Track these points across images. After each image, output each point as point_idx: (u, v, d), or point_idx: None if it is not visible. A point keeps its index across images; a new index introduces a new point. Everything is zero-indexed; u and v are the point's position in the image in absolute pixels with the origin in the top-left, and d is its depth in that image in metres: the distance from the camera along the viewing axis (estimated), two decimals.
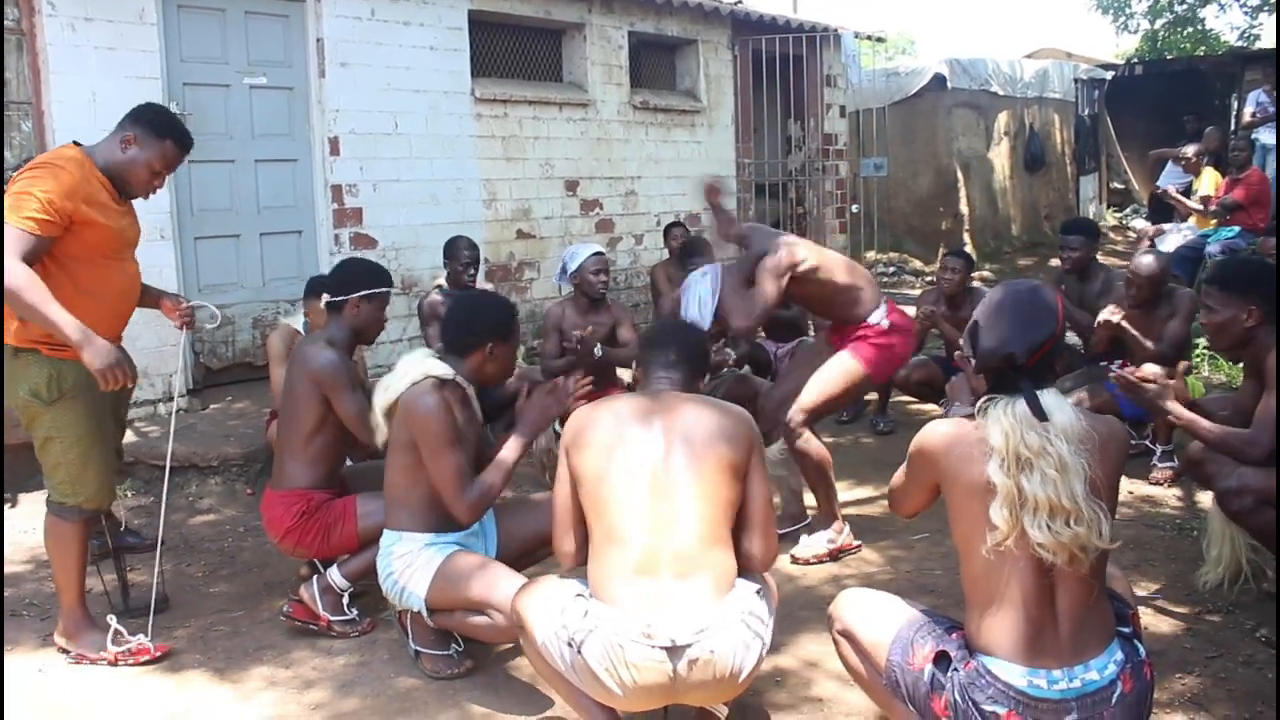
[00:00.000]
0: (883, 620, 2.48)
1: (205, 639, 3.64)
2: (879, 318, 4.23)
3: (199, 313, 3.95)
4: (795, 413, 4.17)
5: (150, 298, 3.78)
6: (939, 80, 12.45)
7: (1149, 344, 5.03)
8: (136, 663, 3.42)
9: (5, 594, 3.96)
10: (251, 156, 6.49)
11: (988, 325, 2.35)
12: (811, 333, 6.50)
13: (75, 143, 3.45)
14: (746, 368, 6.35)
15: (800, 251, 4.16)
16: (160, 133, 3.45)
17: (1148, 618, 3.49)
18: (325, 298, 3.82)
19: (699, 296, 4.15)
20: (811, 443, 4.21)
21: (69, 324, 3.12)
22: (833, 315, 4.39)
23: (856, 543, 4.33)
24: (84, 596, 3.51)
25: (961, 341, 2.45)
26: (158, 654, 3.46)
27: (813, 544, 4.23)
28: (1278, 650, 3.27)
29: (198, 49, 6.21)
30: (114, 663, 3.41)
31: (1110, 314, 5.02)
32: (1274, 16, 19.82)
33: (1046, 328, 2.33)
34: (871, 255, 11.89)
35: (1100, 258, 6.03)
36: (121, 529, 3.96)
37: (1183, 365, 4.95)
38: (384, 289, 3.82)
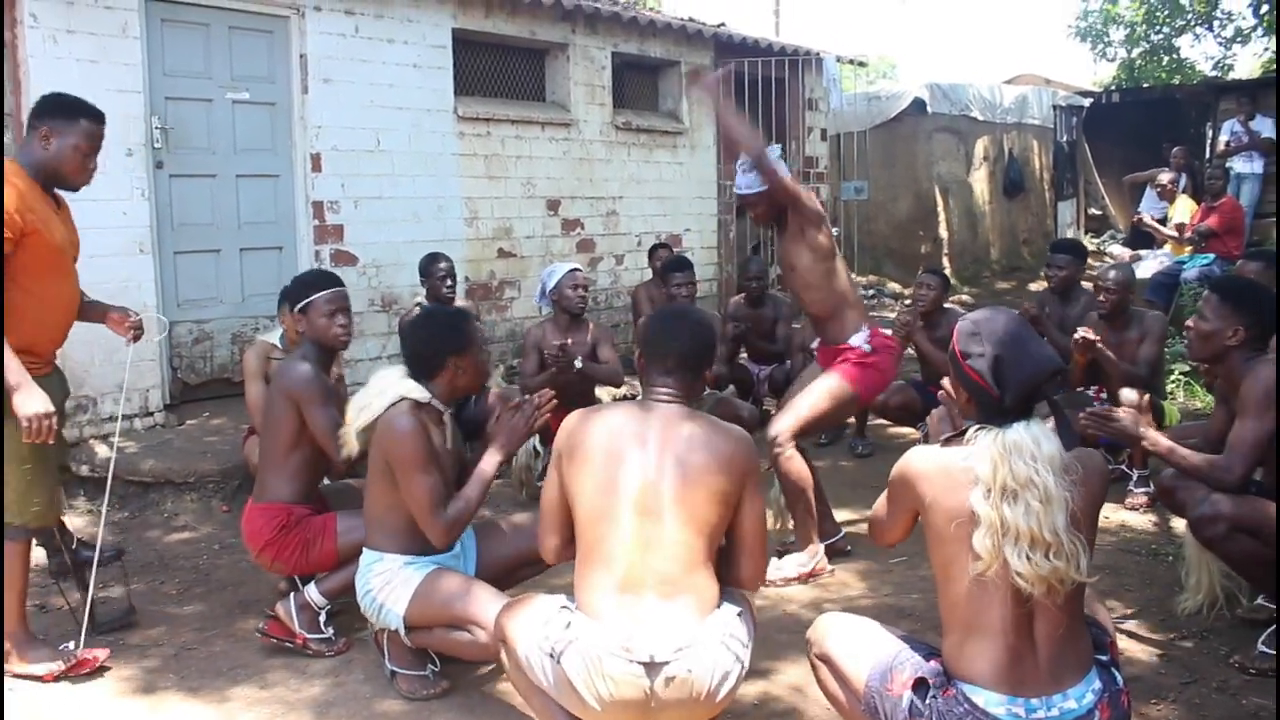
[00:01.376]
0: (861, 646, 2.48)
1: (179, 658, 3.61)
2: (860, 340, 4.24)
3: (148, 323, 3.92)
4: (781, 431, 4.17)
5: (96, 312, 3.75)
6: (919, 105, 12.55)
7: (1123, 366, 5.07)
8: (80, 671, 3.39)
9: None
10: (233, 171, 6.47)
11: (1013, 354, 2.30)
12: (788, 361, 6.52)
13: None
14: (730, 388, 6.37)
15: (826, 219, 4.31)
16: (70, 114, 3.43)
17: (1123, 643, 3.51)
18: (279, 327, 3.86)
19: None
20: (795, 461, 4.20)
21: (13, 367, 3.15)
22: (815, 314, 4.40)
23: (830, 567, 4.33)
24: (26, 616, 3.48)
25: (970, 379, 2.37)
26: (97, 663, 3.44)
27: (784, 566, 4.23)
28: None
29: (180, 63, 6.19)
30: (52, 679, 3.37)
31: (1086, 333, 5.04)
32: (1250, 45, 20.11)
33: (1052, 354, 2.36)
34: (853, 286, 11.92)
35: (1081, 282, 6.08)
36: (74, 545, 3.90)
37: (1146, 399, 4.99)
38: (313, 295, 3.75)
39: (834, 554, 4.43)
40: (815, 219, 4.26)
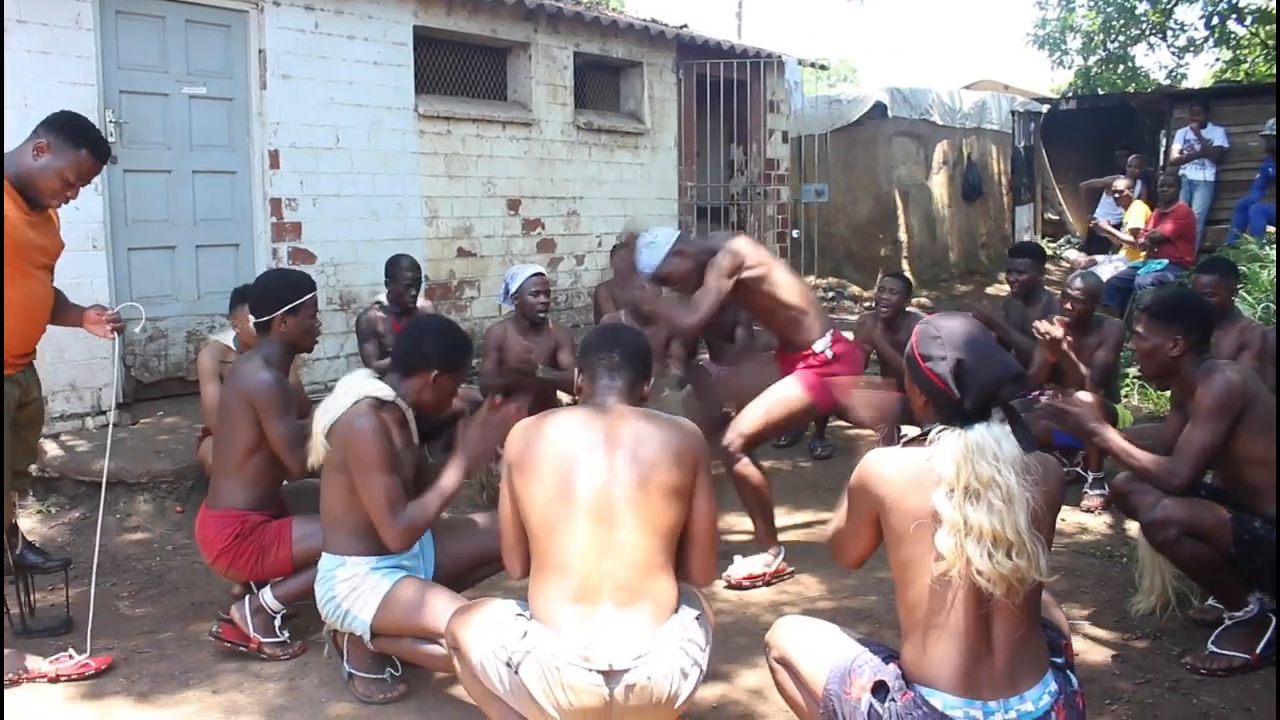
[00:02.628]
0: (820, 649, 2.48)
1: (130, 662, 3.55)
2: (823, 346, 4.23)
3: (125, 312, 3.83)
4: (734, 437, 4.16)
5: (72, 316, 3.68)
6: (880, 109, 12.63)
7: (1084, 369, 5.12)
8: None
9: None
10: (189, 167, 6.38)
11: (975, 358, 2.31)
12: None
13: None
14: (688, 389, 6.34)
15: (749, 256, 4.17)
16: (75, 141, 3.35)
17: (1078, 644, 3.54)
18: (251, 319, 3.75)
19: (653, 241, 4.19)
20: (749, 468, 4.20)
21: None
22: (775, 331, 4.40)
23: (790, 569, 4.34)
24: None
25: (930, 383, 2.37)
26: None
27: (748, 564, 4.24)
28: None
29: (136, 56, 6.09)
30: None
31: (1052, 328, 5.06)
32: (1202, 55, 20.43)
33: (1012, 360, 2.38)
34: (811, 280, 11.99)
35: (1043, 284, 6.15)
36: (19, 549, 3.83)
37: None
38: (305, 298, 3.73)
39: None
40: (734, 280, 4.16)
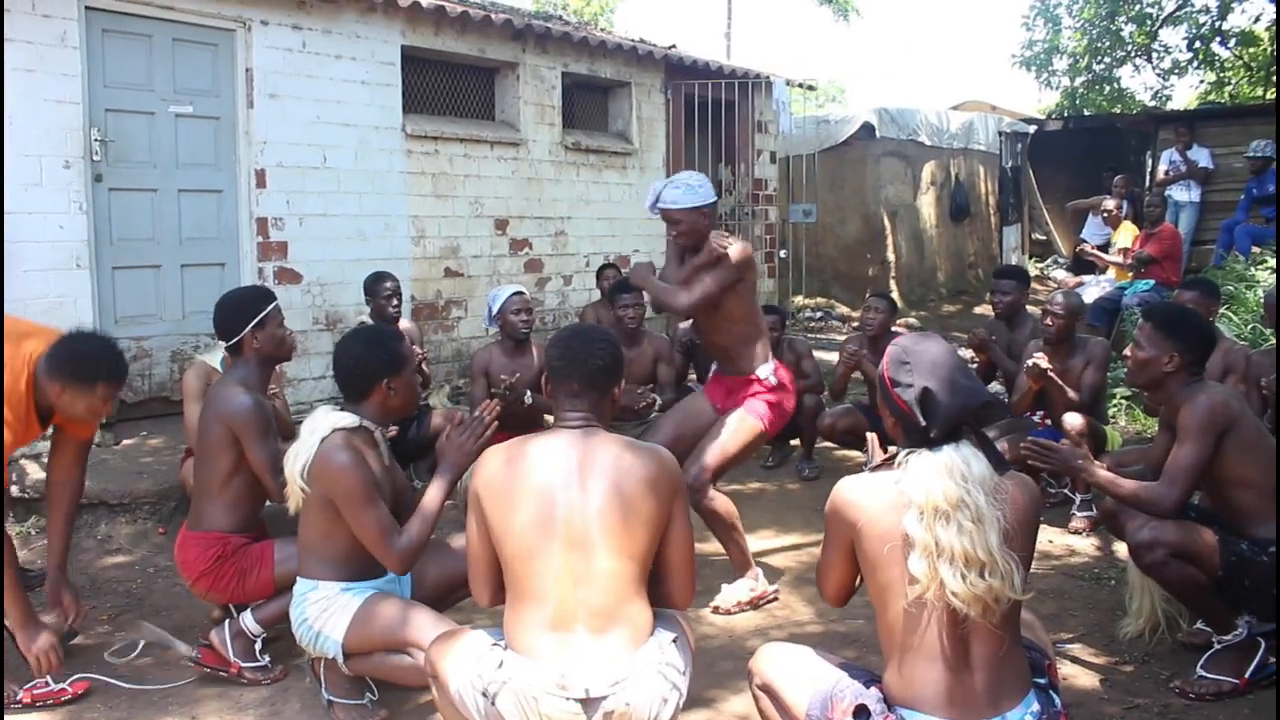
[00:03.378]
0: (802, 675, 2.46)
1: (108, 688, 3.49)
2: (767, 373, 4.23)
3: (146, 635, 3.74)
4: (699, 473, 4.10)
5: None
6: (868, 129, 12.67)
7: (1071, 393, 5.12)
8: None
9: None
10: (175, 186, 6.36)
11: (942, 386, 2.31)
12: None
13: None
14: None
15: (754, 263, 4.24)
16: (89, 379, 3.30)
17: (1065, 668, 3.52)
18: (223, 345, 3.72)
19: (691, 185, 4.16)
20: (718, 500, 4.17)
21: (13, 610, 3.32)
22: (725, 346, 4.32)
23: (774, 588, 4.32)
24: None
25: (898, 408, 2.38)
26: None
27: (735, 592, 4.21)
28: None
29: (122, 75, 6.08)
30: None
31: (1040, 359, 5.09)
32: (1186, 77, 20.58)
33: (983, 384, 2.36)
34: (799, 300, 12.01)
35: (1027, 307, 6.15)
36: None
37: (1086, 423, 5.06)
38: (269, 308, 3.70)
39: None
40: (744, 273, 4.20)
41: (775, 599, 4.30)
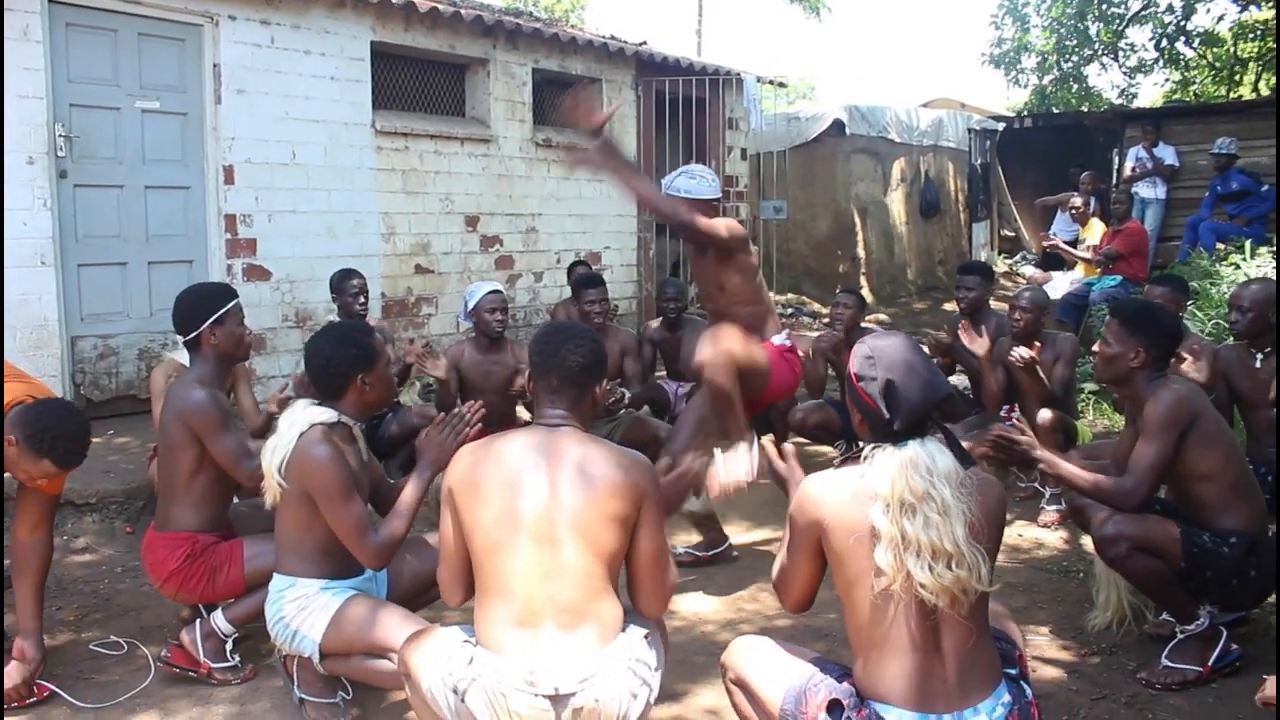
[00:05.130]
0: (776, 669, 2.47)
1: (75, 689, 3.45)
2: (780, 340, 4.43)
3: None
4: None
5: None
6: (838, 126, 12.71)
7: (1049, 384, 5.16)
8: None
9: None
10: (141, 182, 6.30)
11: (905, 379, 2.34)
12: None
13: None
14: (645, 408, 6.33)
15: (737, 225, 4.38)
16: (38, 450, 3.16)
17: (1035, 660, 3.56)
18: (180, 340, 3.69)
19: (704, 178, 4.36)
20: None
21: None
22: (740, 326, 4.36)
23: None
24: None
25: (864, 402, 2.40)
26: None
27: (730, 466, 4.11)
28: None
29: (87, 69, 6.02)
30: None
31: (1025, 351, 5.11)
32: (1151, 76, 20.78)
33: (945, 378, 2.38)
34: (770, 297, 12.01)
35: (992, 303, 6.19)
36: None
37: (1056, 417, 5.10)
38: (229, 305, 3.69)
39: (724, 560, 4.62)
40: (740, 245, 4.29)
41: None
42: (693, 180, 4.34)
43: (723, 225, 4.27)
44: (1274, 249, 8.26)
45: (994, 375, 5.36)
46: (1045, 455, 3.48)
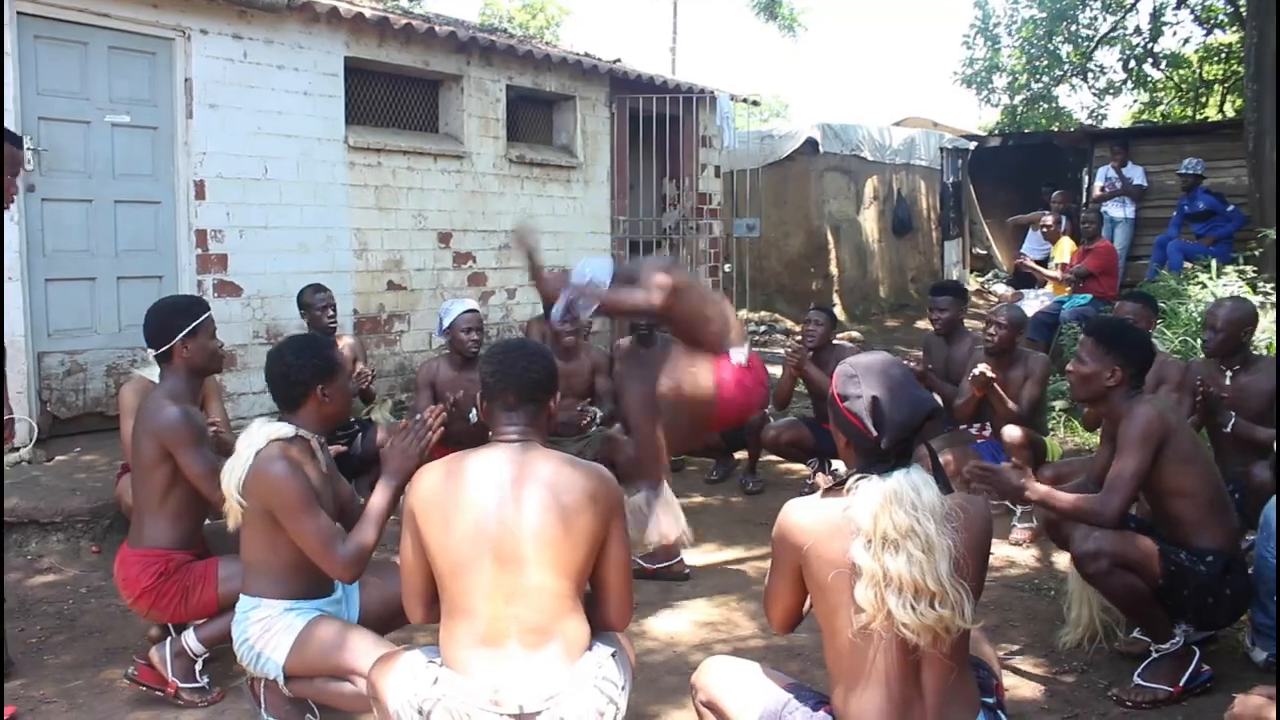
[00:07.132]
0: (748, 693, 2.45)
1: (37, 712, 3.40)
2: (739, 357, 4.48)
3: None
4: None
5: None
6: (811, 144, 12.78)
7: (1011, 404, 5.19)
8: None
9: None
10: (111, 197, 6.24)
11: (890, 395, 2.30)
12: None
13: None
14: (617, 426, 6.31)
15: (676, 274, 4.48)
16: None
17: (1008, 679, 3.55)
18: (152, 354, 3.65)
19: (596, 266, 4.40)
20: None
21: None
22: (706, 345, 4.55)
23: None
24: None
25: (849, 422, 2.35)
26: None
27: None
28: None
29: (56, 82, 5.96)
30: None
31: (985, 369, 5.16)
32: (1121, 97, 21.04)
33: (930, 395, 2.37)
34: (743, 314, 12.04)
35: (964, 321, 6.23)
36: None
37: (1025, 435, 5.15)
38: (201, 318, 3.66)
39: (673, 576, 4.67)
40: (680, 285, 4.41)
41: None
42: (594, 270, 4.42)
43: (660, 284, 4.35)
44: (1240, 268, 8.35)
45: (969, 396, 5.39)
46: (1025, 483, 3.45)
